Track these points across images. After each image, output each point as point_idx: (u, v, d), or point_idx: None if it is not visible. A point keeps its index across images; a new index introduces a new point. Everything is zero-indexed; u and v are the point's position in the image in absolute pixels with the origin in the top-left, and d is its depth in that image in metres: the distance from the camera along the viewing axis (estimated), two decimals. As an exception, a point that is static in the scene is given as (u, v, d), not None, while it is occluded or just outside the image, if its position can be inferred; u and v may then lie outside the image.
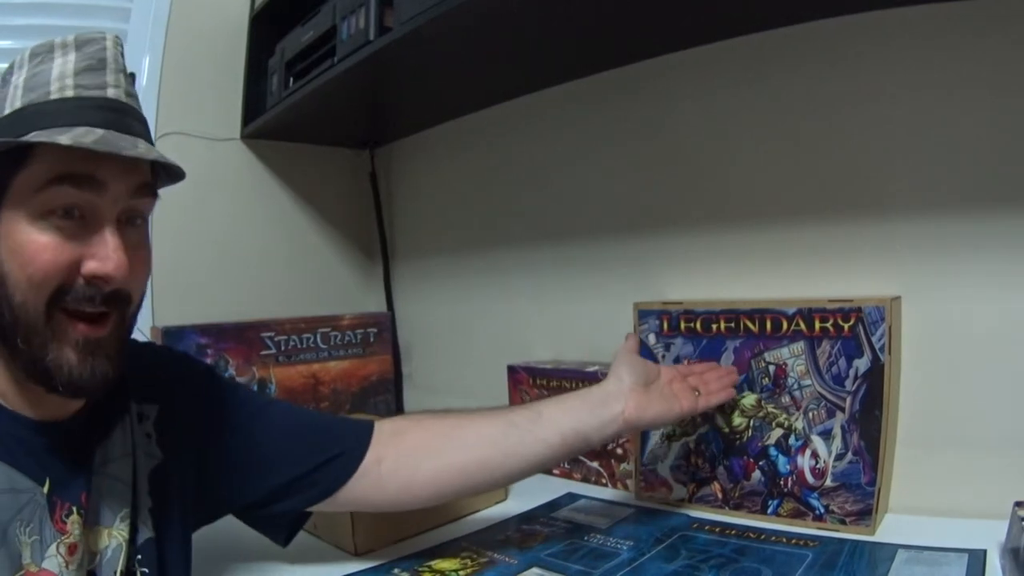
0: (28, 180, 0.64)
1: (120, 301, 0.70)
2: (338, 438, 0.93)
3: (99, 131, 0.65)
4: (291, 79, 1.58)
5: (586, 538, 1.00)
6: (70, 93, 0.67)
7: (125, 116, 0.69)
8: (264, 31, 1.74)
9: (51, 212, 0.64)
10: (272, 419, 0.94)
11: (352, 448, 0.92)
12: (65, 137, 0.62)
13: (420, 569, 0.93)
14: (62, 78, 0.67)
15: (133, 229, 0.71)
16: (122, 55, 0.72)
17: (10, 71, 0.70)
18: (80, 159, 0.64)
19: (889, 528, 0.96)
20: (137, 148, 0.66)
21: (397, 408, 1.92)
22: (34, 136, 0.63)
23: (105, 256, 0.65)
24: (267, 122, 1.71)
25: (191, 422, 0.88)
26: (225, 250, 1.81)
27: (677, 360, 1.12)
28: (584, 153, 1.48)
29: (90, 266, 0.65)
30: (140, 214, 0.72)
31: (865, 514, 0.95)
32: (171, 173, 0.75)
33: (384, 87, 1.53)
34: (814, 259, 1.12)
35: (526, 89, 1.54)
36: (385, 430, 0.95)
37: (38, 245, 0.64)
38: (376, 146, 2.01)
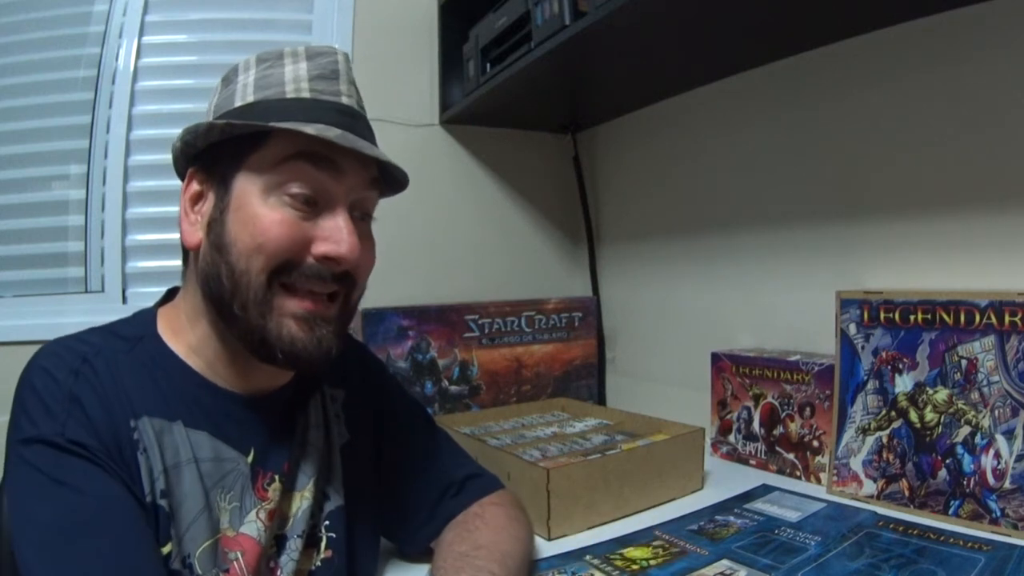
0: (265, 157, 0.70)
1: (348, 283, 0.75)
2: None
3: (337, 130, 0.69)
4: (488, 65, 1.60)
5: (776, 531, 1.00)
6: (306, 94, 0.72)
7: (358, 122, 0.74)
8: (455, 17, 1.79)
9: (289, 194, 0.69)
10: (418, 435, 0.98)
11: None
12: (311, 128, 0.67)
13: (612, 556, 0.92)
14: (297, 81, 0.73)
15: (362, 223, 0.77)
16: (351, 69, 0.78)
17: (234, 73, 0.76)
18: (320, 145, 0.69)
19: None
20: (375, 150, 0.71)
21: (599, 393, 1.90)
22: (280, 123, 0.68)
23: (340, 239, 0.70)
24: (466, 107, 1.74)
25: (370, 412, 0.93)
26: (427, 234, 1.87)
27: (875, 352, 1.10)
28: (788, 138, 1.42)
29: (323, 247, 0.70)
30: (368, 209, 0.78)
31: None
32: (395, 183, 0.80)
33: (583, 71, 1.51)
34: (1008, 248, 1.05)
35: (728, 71, 1.50)
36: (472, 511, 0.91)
37: (273, 219, 0.69)
38: (578, 130, 2.00)
